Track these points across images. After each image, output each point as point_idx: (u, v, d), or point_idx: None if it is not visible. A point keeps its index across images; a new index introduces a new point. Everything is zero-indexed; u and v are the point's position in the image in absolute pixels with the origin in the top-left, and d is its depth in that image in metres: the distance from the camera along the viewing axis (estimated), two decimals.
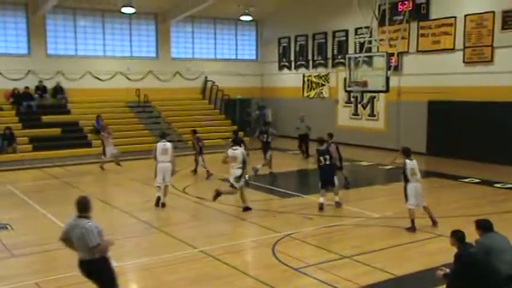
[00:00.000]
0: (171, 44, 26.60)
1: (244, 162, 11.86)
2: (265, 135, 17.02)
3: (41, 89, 22.86)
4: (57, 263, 8.78)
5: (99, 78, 24.43)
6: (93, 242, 6.13)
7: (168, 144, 12.56)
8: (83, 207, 6.47)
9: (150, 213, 12.04)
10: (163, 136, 13.00)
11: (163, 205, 12.32)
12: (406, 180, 10.34)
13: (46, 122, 21.64)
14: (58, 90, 23.25)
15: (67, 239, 6.36)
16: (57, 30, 23.83)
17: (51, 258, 9.00)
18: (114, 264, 8.50)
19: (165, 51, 26.37)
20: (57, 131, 21.41)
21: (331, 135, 13.74)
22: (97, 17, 24.60)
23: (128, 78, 25.13)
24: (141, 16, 25.39)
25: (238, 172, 11.69)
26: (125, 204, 12.89)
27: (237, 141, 13.87)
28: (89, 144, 21.37)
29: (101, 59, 24.71)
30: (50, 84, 23.24)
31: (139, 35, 25.85)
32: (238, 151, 11.89)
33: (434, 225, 10.41)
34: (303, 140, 20.38)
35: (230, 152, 11.98)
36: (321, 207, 11.79)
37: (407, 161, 10.36)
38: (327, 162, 11.98)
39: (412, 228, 10.23)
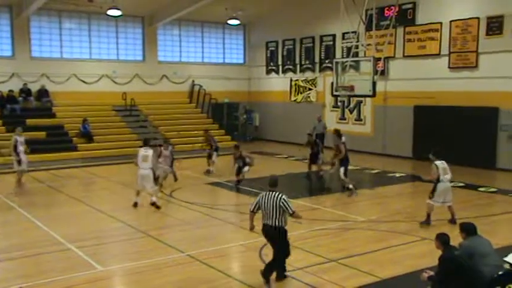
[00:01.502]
0: (158, 47, 26.53)
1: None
2: (241, 162, 15.53)
3: (25, 92, 22.63)
4: (41, 267, 8.69)
5: (84, 82, 24.28)
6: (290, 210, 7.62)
7: (150, 151, 12.51)
8: (273, 183, 7.88)
9: (136, 217, 11.98)
10: (146, 142, 12.94)
11: (157, 206, 12.33)
12: (438, 180, 10.83)
13: (30, 126, 21.35)
14: (43, 93, 23.04)
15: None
16: (42, 33, 23.65)
17: (35, 263, 8.91)
18: (100, 268, 8.49)
19: (152, 54, 26.30)
20: (41, 134, 21.21)
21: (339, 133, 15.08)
22: (83, 19, 24.44)
23: (114, 82, 25.00)
24: (128, 19, 25.30)
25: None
26: (111, 208, 12.80)
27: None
28: (74, 148, 21.23)
29: (86, 62, 24.56)
30: (34, 87, 23.04)
31: (125, 38, 25.74)
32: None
33: (452, 223, 10.74)
34: (319, 139, 19.72)
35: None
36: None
37: (438, 162, 10.93)
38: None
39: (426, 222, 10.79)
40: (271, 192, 7.69)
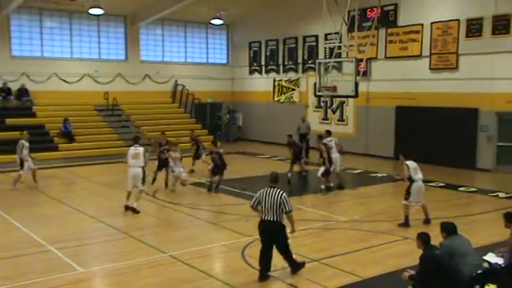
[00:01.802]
0: (140, 46, 26.35)
1: None
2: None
3: (5, 90, 22.28)
4: (21, 269, 8.59)
5: (65, 81, 24.00)
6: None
7: (140, 149, 12.31)
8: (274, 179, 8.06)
9: (118, 218, 11.88)
10: (136, 140, 12.79)
11: (135, 211, 12.08)
12: (411, 180, 10.79)
13: (10, 125, 21.05)
14: (23, 92, 22.72)
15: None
16: (22, 31, 23.31)
17: (15, 265, 8.78)
18: (81, 270, 8.41)
19: (134, 53, 26.11)
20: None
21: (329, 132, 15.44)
22: (64, 18, 24.15)
23: (96, 81, 24.77)
24: (110, 18, 25.08)
25: None
26: (92, 209, 12.67)
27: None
28: (55, 148, 20.98)
29: (68, 61, 24.28)
30: (14, 86, 22.71)
31: (107, 37, 25.51)
32: None
33: (427, 223, 10.81)
34: (303, 139, 20.04)
35: None
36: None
37: (408, 162, 10.84)
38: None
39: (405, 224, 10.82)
40: (271, 188, 7.82)
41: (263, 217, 7.82)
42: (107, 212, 12.39)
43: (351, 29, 17.69)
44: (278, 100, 26.42)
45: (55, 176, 17.69)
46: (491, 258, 7.04)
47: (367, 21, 19.58)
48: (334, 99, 22.46)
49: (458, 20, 18.52)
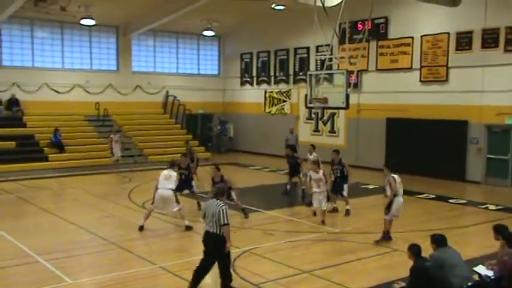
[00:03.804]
0: (132, 57, 26.35)
1: None
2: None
3: None
4: (8, 280, 8.46)
5: (56, 91, 23.92)
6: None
7: (173, 173, 11.85)
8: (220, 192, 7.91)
9: (107, 229, 11.77)
10: (172, 165, 12.28)
11: (188, 228, 11.55)
12: (395, 194, 10.44)
13: (0, 135, 20.94)
14: (13, 102, 22.60)
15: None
16: (13, 41, 23.25)
17: (1, 276, 8.65)
18: (70, 281, 8.30)
19: (126, 64, 26.09)
20: (11, 144, 20.76)
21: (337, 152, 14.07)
22: (55, 28, 24.12)
23: (87, 92, 24.70)
24: (102, 28, 25.08)
25: None
26: (82, 220, 12.55)
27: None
28: (45, 158, 20.83)
29: (59, 71, 24.20)
30: (4, 96, 22.61)
31: (99, 48, 25.49)
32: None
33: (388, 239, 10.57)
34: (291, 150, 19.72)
35: None
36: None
37: (395, 176, 10.49)
38: (338, 175, 13.28)
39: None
40: (214, 200, 7.68)
41: (206, 228, 7.64)
42: (96, 222, 12.28)
43: (342, 41, 17.82)
44: (269, 111, 26.47)
45: (45, 186, 17.54)
46: (482, 270, 7.05)
47: (358, 33, 19.74)
48: (325, 110, 22.53)
49: (448, 33, 18.73)
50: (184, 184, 13.12)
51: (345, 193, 13.35)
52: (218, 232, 7.49)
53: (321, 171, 12.26)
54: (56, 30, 24.18)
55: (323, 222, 12.09)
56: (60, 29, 24.24)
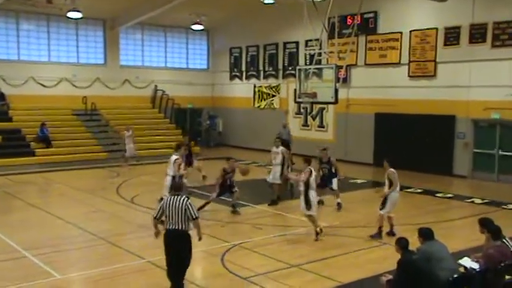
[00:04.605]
0: (120, 51, 26.14)
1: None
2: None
3: None
4: None
5: (43, 85, 23.67)
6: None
7: (173, 157, 12.24)
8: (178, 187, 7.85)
9: (96, 223, 11.72)
10: (176, 147, 12.91)
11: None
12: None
13: None
14: None
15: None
16: None
17: None
18: (58, 276, 8.26)
19: (114, 58, 25.89)
20: None
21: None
22: (41, 20, 23.83)
23: (74, 86, 24.48)
24: (89, 21, 24.84)
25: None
26: (69, 214, 12.47)
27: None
28: (31, 153, 20.65)
29: (45, 65, 23.95)
30: None
31: (86, 41, 25.24)
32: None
33: (391, 235, 10.41)
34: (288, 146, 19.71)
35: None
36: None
37: (393, 170, 10.56)
38: (326, 173, 13.19)
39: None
40: (175, 196, 7.41)
41: (168, 227, 7.34)
42: (84, 217, 12.22)
43: (331, 36, 17.82)
44: (258, 106, 26.45)
45: (31, 181, 17.41)
46: (467, 262, 7.13)
47: (347, 28, 19.71)
48: (314, 105, 22.58)
49: (436, 28, 18.83)
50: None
51: (334, 186, 13.26)
52: (184, 228, 7.29)
53: (280, 149, 14.02)
54: (42, 23, 23.89)
55: (278, 198, 13.47)
56: (46, 22, 23.96)
